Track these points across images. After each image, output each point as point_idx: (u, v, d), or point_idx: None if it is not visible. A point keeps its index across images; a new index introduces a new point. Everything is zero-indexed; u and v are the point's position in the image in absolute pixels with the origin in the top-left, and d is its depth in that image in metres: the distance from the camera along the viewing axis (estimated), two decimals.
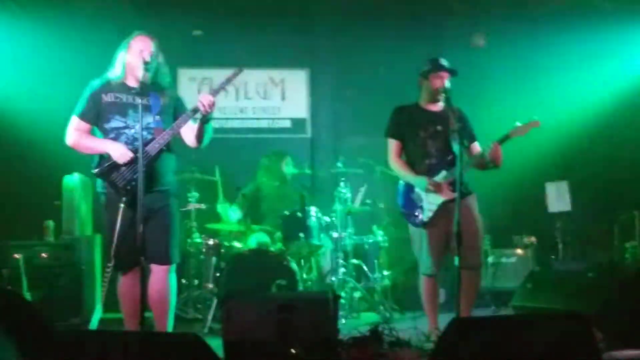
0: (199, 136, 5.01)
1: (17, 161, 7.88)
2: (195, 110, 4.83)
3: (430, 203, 5.45)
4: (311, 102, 9.11)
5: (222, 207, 7.38)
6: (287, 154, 7.75)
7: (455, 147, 5.10)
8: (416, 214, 5.52)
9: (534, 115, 5.33)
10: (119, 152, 4.73)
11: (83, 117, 4.89)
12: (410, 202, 5.57)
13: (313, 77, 9.12)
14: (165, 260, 4.91)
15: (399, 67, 7.94)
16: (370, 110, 8.34)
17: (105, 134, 4.87)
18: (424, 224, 5.49)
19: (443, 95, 5.40)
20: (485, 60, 8.80)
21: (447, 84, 5.48)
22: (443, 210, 5.38)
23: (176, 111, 5.01)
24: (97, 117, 4.88)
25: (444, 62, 5.60)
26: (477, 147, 5.62)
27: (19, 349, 3.61)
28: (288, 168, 7.64)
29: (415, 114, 5.66)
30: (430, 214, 5.44)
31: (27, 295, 6.22)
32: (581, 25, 8.35)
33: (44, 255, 6.64)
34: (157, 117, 4.88)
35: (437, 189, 5.40)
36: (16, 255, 6.45)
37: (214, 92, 4.85)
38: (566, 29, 8.43)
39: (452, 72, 5.56)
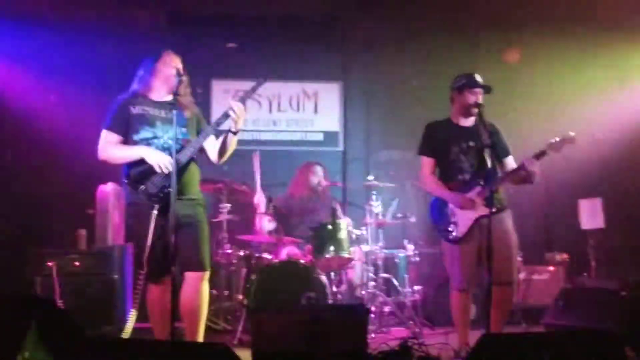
0: (223, 149, 5.08)
1: (52, 170, 7.99)
2: (227, 115, 4.88)
3: (464, 219, 5.41)
4: (344, 115, 9.12)
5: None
6: (315, 164, 7.74)
7: (489, 163, 5.08)
8: (450, 229, 5.48)
9: (569, 131, 5.26)
10: (157, 158, 4.80)
11: (112, 129, 4.98)
12: (443, 217, 5.53)
13: (346, 91, 9.14)
14: (200, 267, 4.95)
15: (432, 81, 7.94)
16: (403, 124, 8.37)
17: (135, 145, 4.95)
18: (457, 240, 5.45)
19: (476, 110, 5.37)
20: (519, 76, 8.76)
21: (480, 99, 5.46)
22: (477, 225, 5.34)
23: (199, 126, 5.11)
24: (126, 129, 4.96)
25: (478, 78, 5.53)
26: (511, 162, 5.55)
27: (52, 356, 3.65)
28: (315, 178, 7.64)
29: (448, 129, 5.63)
30: (464, 230, 5.40)
31: (60, 303, 6.28)
32: (618, 40, 8.29)
33: (76, 263, 6.69)
34: (184, 130, 4.98)
35: (471, 205, 5.36)
36: (49, 263, 6.51)
37: (241, 100, 4.92)
38: (602, 45, 8.37)
39: (486, 89, 5.52)
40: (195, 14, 8.24)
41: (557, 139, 5.19)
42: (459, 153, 5.51)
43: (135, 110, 4.97)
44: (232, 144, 5.08)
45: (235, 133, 4.99)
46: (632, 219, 8.30)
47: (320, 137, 9.12)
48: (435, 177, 5.66)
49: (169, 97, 4.93)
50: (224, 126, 4.99)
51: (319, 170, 7.68)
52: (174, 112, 4.62)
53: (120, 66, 7.70)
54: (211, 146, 5.12)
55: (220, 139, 5.08)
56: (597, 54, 8.47)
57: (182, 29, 8.05)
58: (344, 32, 8.80)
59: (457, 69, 5.79)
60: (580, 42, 8.48)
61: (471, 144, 5.47)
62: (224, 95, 8.79)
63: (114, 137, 4.98)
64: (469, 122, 5.59)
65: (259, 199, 7.34)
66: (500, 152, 5.45)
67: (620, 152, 8.41)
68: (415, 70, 8.82)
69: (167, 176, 4.70)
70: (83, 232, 7.04)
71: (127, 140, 4.98)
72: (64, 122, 7.87)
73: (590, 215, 8.08)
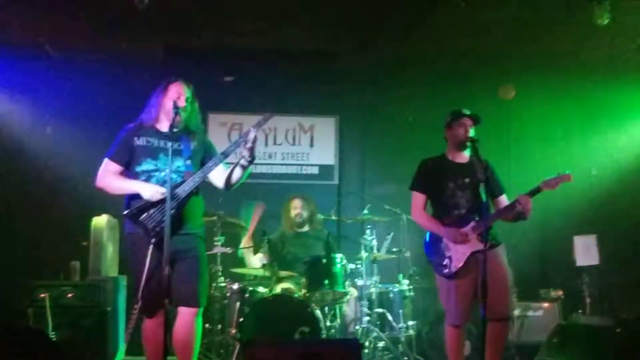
0: (230, 179, 5.05)
1: (46, 201, 7.98)
2: (228, 152, 4.87)
3: (459, 253, 5.40)
4: (339, 149, 9.14)
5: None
6: (294, 197, 7.73)
7: (483, 198, 5.08)
8: (444, 264, 5.46)
9: (565, 169, 5.28)
10: (151, 191, 4.79)
11: (114, 159, 4.98)
12: (438, 252, 5.52)
13: (342, 125, 9.17)
14: (193, 303, 4.91)
15: (428, 117, 7.97)
16: (398, 158, 8.41)
17: (136, 177, 4.94)
18: (452, 275, 5.44)
19: (470, 144, 5.37)
20: (515, 112, 8.80)
21: (472, 132, 5.48)
22: (472, 260, 5.33)
23: (206, 156, 5.08)
24: (129, 159, 4.97)
25: (465, 110, 5.59)
26: (504, 199, 5.58)
27: None
28: (294, 211, 7.62)
29: (443, 165, 5.64)
30: (459, 265, 5.38)
31: (52, 335, 6.24)
32: (613, 79, 8.34)
33: (69, 295, 6.66)
34: (188, 162, 4.96)
35: (466, 240, 5.36)
36: (42, 295, 6.49)
37: (254, 132, 4.88)
38: (597, 83, 8.42)
39: (474, 119, 5.55)
40: (191, 47, 8.26)
41: (553, 177, 5.23)
42: (455, 189, 5.52)
43: (140, 141, 4.98)
44: (245, 174, 5.05)
45: (245, 167, 4.99)
46: (627, 255, 8.30)
47: (315, 170, 9.12)
48: (427, 212, 5.67)
49: (176, 128, 4.90)
50: (230, 157, 4.98)
51: (296, 202, 7.67)
52: (169, 144, 4.64)
53: (115, 98, 7.77)
54: (218, 173, 5.09)
55: (228, 170, 5.06)
56: (592, 92, 8.52)
57: (178, 61, 8.08)
58: (341, 66, 8.84)
59: (452, 105, 5.81)
60: (575, 80, 8.54)
61: (466, 180, 5.49)
62: (220, 128, 8.82)
63: (114, 167, 4.99)
64: (464, 158, 5.61)
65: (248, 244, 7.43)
66: (494, 190, 5.49)
67: (615, 189, 8.43)
68: (410, 106, 8.86)
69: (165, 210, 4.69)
70: (76, 263, 7.01)
71: (129, 171, 4.99)
72: (58, 153, 7.88)
73: (585, 252, 8.08)
